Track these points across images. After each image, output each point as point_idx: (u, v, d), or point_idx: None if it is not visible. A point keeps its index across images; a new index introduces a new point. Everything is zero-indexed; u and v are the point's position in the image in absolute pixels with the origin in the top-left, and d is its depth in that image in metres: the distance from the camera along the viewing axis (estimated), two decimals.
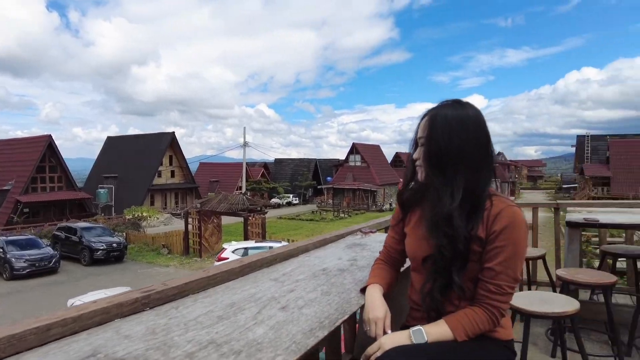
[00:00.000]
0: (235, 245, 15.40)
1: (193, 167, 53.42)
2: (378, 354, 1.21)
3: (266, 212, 21.44)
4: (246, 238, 19.19)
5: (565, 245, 2.76)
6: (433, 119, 1.36)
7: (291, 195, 57.70)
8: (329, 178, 56.79)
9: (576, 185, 58.66)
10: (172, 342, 1.01)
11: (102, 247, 20.25)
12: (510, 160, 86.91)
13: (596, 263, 4.60)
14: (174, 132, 47.76)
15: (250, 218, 19.55)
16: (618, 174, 46.94)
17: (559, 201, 3.84)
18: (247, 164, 60.40)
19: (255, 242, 16.68)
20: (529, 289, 3.59)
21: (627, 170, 45.62)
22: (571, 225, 2.64)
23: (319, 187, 57.11)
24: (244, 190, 39.20)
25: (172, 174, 47.04)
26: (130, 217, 32.19)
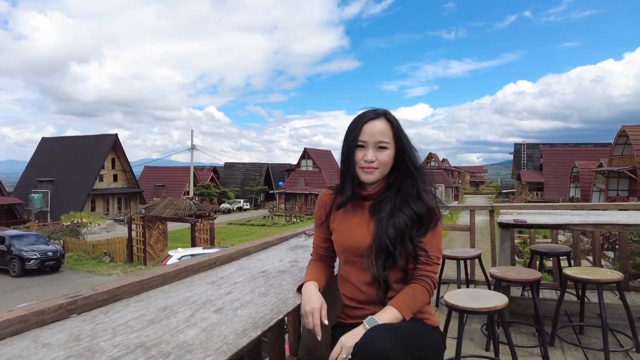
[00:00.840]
0: (181, 252, 14.91)
1: (137, 171, 51.21)
2: (343, 354, 1.23)
3: (215, 218, 20.97)
4: (193, 245, 18.64)
5: (498, 245, 2.95)
6: (393, 122, 1.48)
7: (242, 201, 56.85)
8: (280, 183, 56.60)
9: (514, 190, 62.42)
10: (97, 347, 0.97)
11: (35, 257, 18.81)
12: (454, 167, 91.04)
13: None
14: (116, 134, 45.62)
15: (197, 224, 19.03)
16: (550, 179, 50.62)
17: (493, 204, 4.08)
18: (195, 168, 58.87)
19: (203, 248, 16.25)
20: (467, 287, 3.79)
21: (557, 177, 49.27)
22: (502, 226, 2.83)
23: (270, 192, 56.71)
24: (191, 195, 38.09)
25: (115, 178, 44.83)
26: (69, 223, 30.23)
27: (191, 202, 19.64)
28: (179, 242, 23.69)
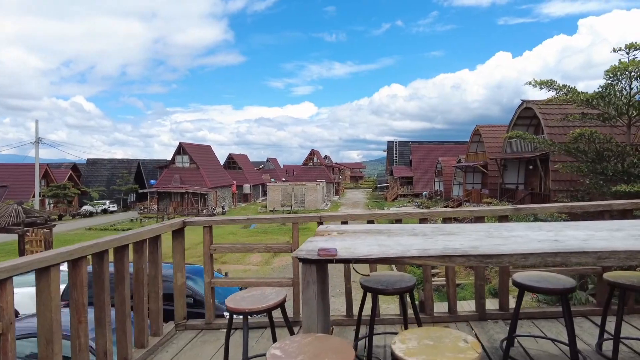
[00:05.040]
0: None
1: None
2: None
3: (54, 225, 17.50)
4: None
5: (301, 289, 1.90)
6: None
7: (108, 202, 50.68)
8: (152, 181, 51.75)
9: (388, 184, 66.58)
10: None
11: None
12: (336, 163, 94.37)
13: None
14: None
15: (28, 234, 15.53)
16: (418, 174, 54.98)
17: (322, 214, 3.06)
18: (50, 165, 50.70)
19: None
20: None
21: (425, 171, 53.71)
22: (304, 261, 1.77)
23: (140, 191, 51.50)
24: (36, 196, 32.29)
25: None
26: None
27: (18, 208, 15.96)
28: (9, 255, 19.45)
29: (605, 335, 2.65)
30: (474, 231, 2.19)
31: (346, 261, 1.76)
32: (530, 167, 24.21)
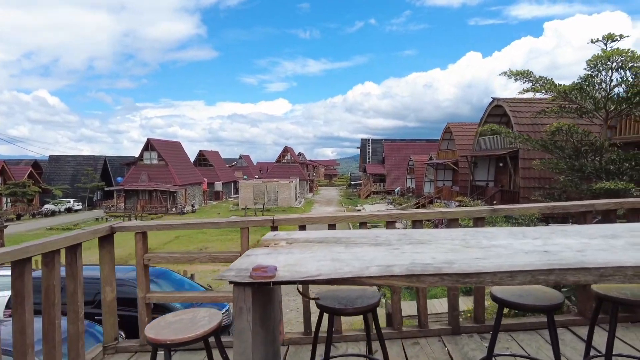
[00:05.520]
0: None
1: None
2: None
3: (5, 226, 16.41)
4: None
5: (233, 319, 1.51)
6: None
7: (72, 200, 48.56)
8: (119, 179, 49.97)
9: (361, 182, 66.72)
10: None
11: None
12: (310, 160, 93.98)
13: None
14: None
15: None
16: (390, 171, 55.27)
17: (276, 217, 2.66)
18: (8, 162, 48.08)
19: None
20: None
21: (397, 169, 54.03)
22: (236, 284, 1.37)
23: (107, 189, 49.64)
24: None
25: None
26: None
27: None
28: None
29: (592, 352, 2.36)
30: (448, 239, 1.83)
31: (287, 283, 1.36)
32: (500, 164, 24.51)
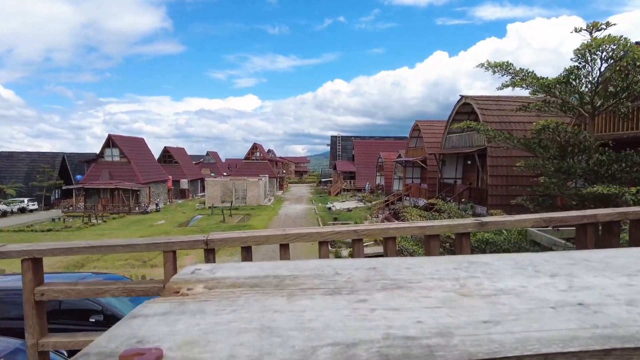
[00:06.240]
0: None
1: None
2: None
3: None
4: None
5: None
6: None
7: (26, 200, 45.86)
8: (79, 177, 47.61)
9: (332, 179, 66.52)
10: None
11: None
12: (280, 157, 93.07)
13: None
14: None
15: None
16: (360, 168, 55.26)
17: (211, 236, 2.08)
18: None
19: None
20: None
21: (366, 166, 54.08)
22: None
23: (65, 187, 47.20)
24: None
25: None
26: None
27: None
28: None
29: None
30: (435, 278, 1.31)
31: None
32: (469, 162, 24.67)
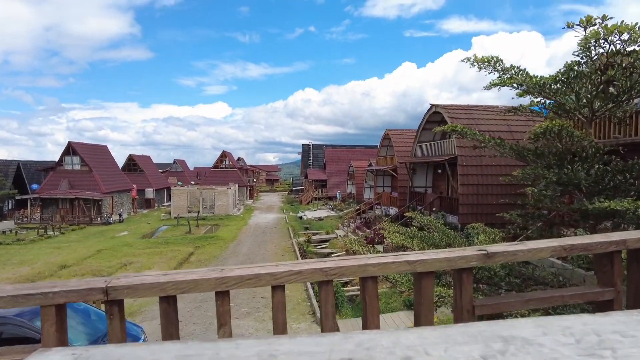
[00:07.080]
0: None
1: None
2: None
3: None
4: None
5: None
6: None
7: None
8: (35, 186, 45.00)
9: (303, 187, 65.87)
10: None
11: None
12: (251, 165, 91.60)
13: None
14: None
15: None
16: (332, 177, 54.87)
17: (110, 283, 1.45)
18: None
19: None
20: None
21: (338, 174, 53.78)
22: None
23: (18, 197, 44.43)
24: None
25: None
26: None
27: None
28: None
29: None
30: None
31: None
32: (439, 171, 24.63)
